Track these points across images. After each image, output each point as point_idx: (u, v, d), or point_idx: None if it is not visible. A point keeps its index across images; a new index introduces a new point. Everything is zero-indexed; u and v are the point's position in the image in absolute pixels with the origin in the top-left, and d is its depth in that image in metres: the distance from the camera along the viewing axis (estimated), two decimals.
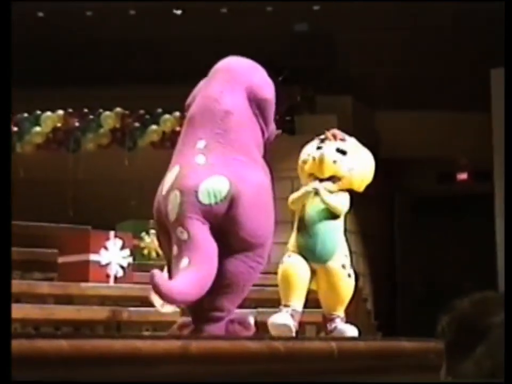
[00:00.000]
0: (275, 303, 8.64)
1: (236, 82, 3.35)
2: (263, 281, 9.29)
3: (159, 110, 11.41)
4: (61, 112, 11.04)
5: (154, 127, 11.26)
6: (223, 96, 3.30)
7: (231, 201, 3.07)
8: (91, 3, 12.37)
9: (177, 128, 11.29)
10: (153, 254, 9.56)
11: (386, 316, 11.85)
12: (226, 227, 3.07)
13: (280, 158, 11.61)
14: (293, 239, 4.27)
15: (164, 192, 3.17)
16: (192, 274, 2.91)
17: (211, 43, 12.64)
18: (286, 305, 4.09)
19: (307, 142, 12.23)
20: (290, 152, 11.65)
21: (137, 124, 11.15)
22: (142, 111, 11.36)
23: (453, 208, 14.18)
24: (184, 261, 2.95)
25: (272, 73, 12.96)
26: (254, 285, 9.94)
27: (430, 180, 14.29)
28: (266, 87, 3.39)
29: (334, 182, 4.28)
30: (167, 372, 2.26)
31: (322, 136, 4.51)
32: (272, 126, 3.58)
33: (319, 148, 4.43)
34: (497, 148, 11.83)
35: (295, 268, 4.11)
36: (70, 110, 10.94)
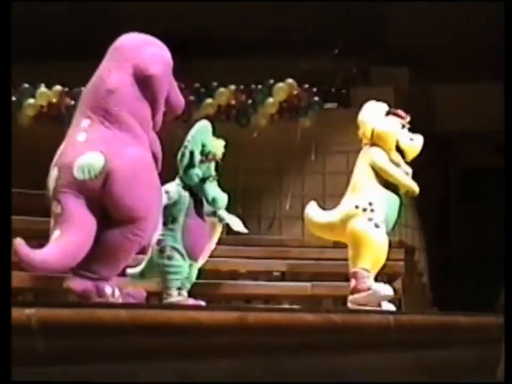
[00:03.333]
0: (331, 277, 8.70)
1: (124, 60, 3.40)
2: (320, 255, 9.46)
3: (214, 84, 11.43)
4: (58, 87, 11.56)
5: (209, 100, 11.29)
6: (110, 75, 3.37)
7: (106, 177, 3.18)
8: None
9: (233, 102, 11.33)
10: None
11: (441, 290, 11.76)
12: (103, 201, 3.20)
13: (335, 131, 11.55)
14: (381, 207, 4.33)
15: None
16: (59, 244, 3.08)
17: (262, 16, 12.58)
18: (367, 270, 4.22)
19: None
20: (346, 125, 11.63)
21: (192, 97, 11.19)
22: (197, 85, 11.38)
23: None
24: (56, 233, 3.13)
25: (327, 47, 12.75)
26: (310, 259, 9.89)
27: (486, 152, 14.09)
28: (154, 63, 3.38)
29: None
30: (224, 342, 2.28)
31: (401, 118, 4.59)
32: (175, 99, 3.59)
33: (403, 127, 4.63)
34: None
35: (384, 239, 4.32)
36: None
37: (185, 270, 4.36)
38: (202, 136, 4.55)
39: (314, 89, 11.34)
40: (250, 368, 2.45)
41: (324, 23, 12.41)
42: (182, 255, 4.34)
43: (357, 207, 4.37)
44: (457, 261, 13.78)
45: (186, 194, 4.41)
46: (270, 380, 2.50)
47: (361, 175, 4.53)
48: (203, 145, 4.50)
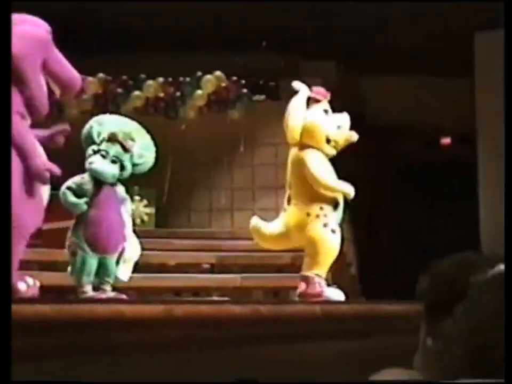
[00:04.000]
0: (262, 268, 8.73)
1: None
2: (250, 247, 9.53)
3: (142, 76, 11.35)
4: None
5: (137, 92, 11.20)
6: None
7: None
8: None
9: (161, 94, 11.27)
10: (138, 221, 9.57)
11: (369, 281, 11.92)
12: None
13: (264, 123, 11.62)
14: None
15: None
16: None
17: (192, 10, 12.55)
18: (318, 275, 4.17)
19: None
20: (274, 117, 11.66)
21: (120, 90, 11.09)
22: (124, 77, 11.29)
23: (438, 174, 14.24)
24: None
25: (256, 41, 12.74)
26: (240, 251, 9.94)
27: (415, 146, 14.31)
28: (16, 43, 3.05)
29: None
30: (150, 336, 2.27)
31: (323, 99, 4.47)
32: (65, 75, 3.39)
33: (326, 112, 4.51)
34: (480, 112, 11.87)
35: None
36: None
37: (92, 265, 4.20)
38: (106, 122, 4.44)
39: (243, 82, 11.37)
40: (177, 362, 2.45)
41: (254, 17, 12.44)
42: (83, 249, 4.20)
43: (308, 214, 4.31)
44: (386, 252, 13.97)
45: (89, 187, 4.28)
46: (197, 372, 2.50)
47: (300, 182, 4.43)
48: (99, 134, 4.37)
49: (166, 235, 9.76)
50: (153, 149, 4.56)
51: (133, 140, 4.40)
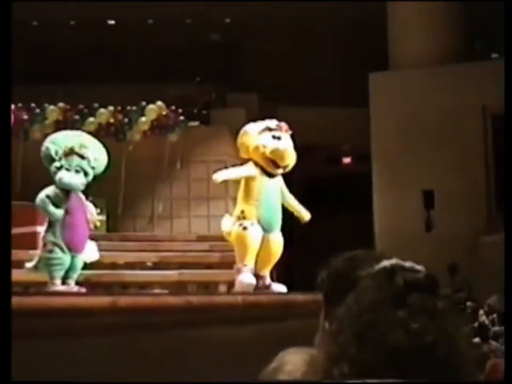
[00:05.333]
0: (195, 266, 8.70)
1: None
2: (185, 247, 9.51)
3: (96, 105, 11.22)
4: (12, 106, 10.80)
5: (91, 119, 11.07)
6: None
7: None
8: None
9: (111, 120, 11.16)
10: (91, 226, 9.41)
11: (285, 276, 11.97)
12: None
13: (197, 144, 11.63)
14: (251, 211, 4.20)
15: None
16: None
17: (135, 49, 12.51)
18: (245, 265, 4.07)
19: (219, 131, 12.00)
20: (206, 140, 11.81)
21: (77, 117, 10.98)
22: (81, 106, 11.17)
23: (339, 187, 14.41)
24: None
25: (191, 75, 12.74)
26: (177, 251, 9.86)
27: (321, 163, 14.46)
28: None
29: (284, 169, 4.30)
30: (99, 322, 2.25)
31: (271, 126, 4.32)
32: None
33: (276, 138, 4.29)
34: (374, 136, 12.09)
35: (257, 235, 4.15)
36: (20, 105, 10.73)
37: (66, 262, 4.20)
38: (60, 140, 4.36)
39: (180, 110, 11.37)
40: (122, 345, 2.42)
41: (188, 55, 12.45)
42: (61, 248, 4.19)
43: (236, 216, 4.27)
44: (299, 254, 14.07)
45: (62, 196, 4.24)
46: (140, 355, 2.48)
47: (239, 189, 4.35)
48: (56, 152, 4.29)
49: (116, 238, 9.66)
50: (103, 149, 4.52)
51: (86, 147, 4.36)
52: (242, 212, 4.23)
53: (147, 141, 11.10)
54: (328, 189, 14.34)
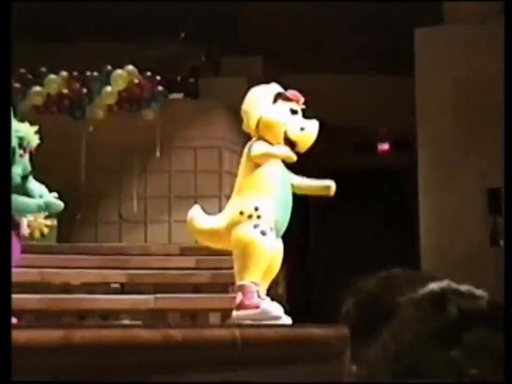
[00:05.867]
0: (178, 288, 8.70)
1: None
2: (164, 264, 9.48)
3: (43, 69, 11.20)
4: None
5: (37, 88, 11.06)
6: None
7: None
8: None
9: (65, 91, 11.14)
10: (37, 234, 9.41)
11: (299, 301, 11.99)
12: None
13: (182, 124, 11.62)
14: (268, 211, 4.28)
15: None
16: None
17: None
18: (254, 283, 4.16)
19: (211, 107, 12.10)
20: (194, 118, 11.78)
21: (17, 85, 10.91)
22: (22, 70, 11.11)
23: (373, 182, 14.37)
24: None
25: (174, 32, 12.79)
26: (153, 268, 9.88)
27: (348, 151, 14.41)
28: None
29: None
30: (46, 364, 2.25)
31: (288, 95, 4.43)
32: None
33: (294, 112, 4.41)
34: (420, 115, 12.00)
35: (273, 243, 4.25)
36: None
37: None
38: (17, 128, 4.39)
39: (158, 78, 11.32)
40: None
41: (171, 6, 12.42)
42: None
43: (241, 213, 4.28)
44: (316, 269, 14.06)
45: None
46: None
47: (245, 174, 4.38)
48: (20, 138, 4.34)
49: (70, 250, 9.65)
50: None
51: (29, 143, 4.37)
52: (256, 209, 4.27)
53: (114, 120, 11.11)
54: (358, 186, 14.33)
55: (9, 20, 2.95)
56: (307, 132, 4.38)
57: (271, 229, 4.25)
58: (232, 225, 4.30)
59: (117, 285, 9.03)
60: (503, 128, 4.42)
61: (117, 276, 9.04)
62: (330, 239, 14.24)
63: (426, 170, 11.99)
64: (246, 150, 4.42)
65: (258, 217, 4.25)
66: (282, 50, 12.77)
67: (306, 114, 4.47)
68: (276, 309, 4.13)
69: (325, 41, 12.95)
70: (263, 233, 4.22)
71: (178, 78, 12.23)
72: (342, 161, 13.87)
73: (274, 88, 4.50)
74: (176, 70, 12.26)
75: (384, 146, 14.78)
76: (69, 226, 10.87)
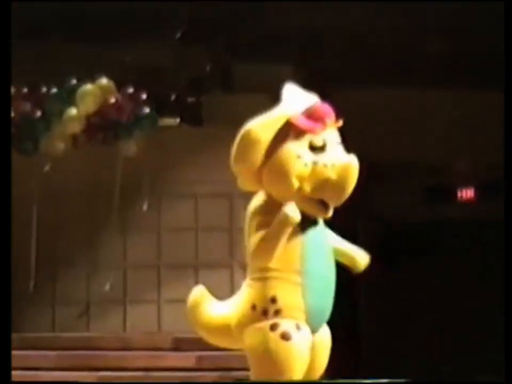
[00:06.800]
0: None
1: None
2: (153, 360, 9.43)
3: None
4: None
5: None
6: None
7: None
8: None
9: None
10: None
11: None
12: None
13: (178, 162, 11.57)
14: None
15: None
16: None
17: None
18: None
19: (219, 137, 11.88)
20: (194, 152, 11.68)
21: None
22: None
23: (449, 243, 14.37)
24: None
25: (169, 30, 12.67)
26: (136, 369, 9.93)
27: (412, 198, 14.37)
28: None
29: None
30: None
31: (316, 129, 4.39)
32: None
33: (319, 149, 4.35)
34: None
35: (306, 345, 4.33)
36: None
37: None
38: None
39: (144, 95, 11.31)
40: None
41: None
42: None
43: (254, 307, 4.36)
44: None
45: None
46: None
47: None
48: None
49: (15, 344, 9.54)
50: None
51: None
52: (274, 300, 4.28)
53: (80, 155, 11.18)
54: (428, 247, 14.40)
55: (9, 23, 2.89)
56: (333, 182, 4.28)
57: (299, 326, 4.26)
58: (244, 323, 4.36)
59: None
60: None
61: (84, 378, 9.24)
62: (384, 316, 14.32)
63: None
64: (251, 209, 4.57)
65: (277, 312, 4.26)
66: (323, 55, 12.75)
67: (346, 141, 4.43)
68: None
69: (374, 48, 12.97)
70: (284, 336, 4.22)
71: (173, 96, 12.17)
72: (408, 212, 13.80)
73: (283, 112, 4.45)
74: (170, 84, 12.25)
75: (468, 192, 14.69)
76: (14, 308, 10.80)
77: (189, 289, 10.91)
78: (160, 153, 11.26)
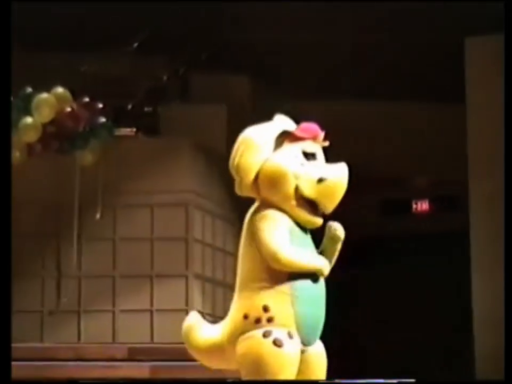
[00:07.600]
0: None
1: None
2: (107, 370, 9.32)
3: None
4: None
5: None
6: None
7: None
8: None
9: None
10: None
11: None
12: None
13: (134, 171, 11.50)
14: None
15: None
16: None
17: None
18: None
19: (175, 147, 11.84)
20: (151, 162, 11.64)
21: None
22: None
23: (406, 252, 14.38)
24: None
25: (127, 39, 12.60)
26: (91, 380, 9.84)
27: (370, 211, 14.38)
28: None
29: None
30: None
31: (300, 133, 4.40)
32: None
33: (310, 156, 4.38)
34: (472, 157, 11.92)
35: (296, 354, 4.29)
36: None
37: None
38: None
39: (100, 105, 11.27)
40: None
41: (122, 5, 12.41)
42: None
43: (246, 316, 4.31)
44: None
45: None
46: None
47: (248, 255, 4.39)
48: None
49: None
50: None
51: None
52: (266, 309, 4.27)
53: (35, 165, 11.15)
54: (385, 258, 14.42)
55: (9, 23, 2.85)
56: (329, 183, 4.31)
57: (291, 335, 4.24)
58: (235, 335, 4.32)
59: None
60: None
61: None
62: (350, 322, 14.30)
63: (480, 238, 12.01)
64: (247, 219, 4.41)
65: (270, 320, 4.25)
66: (281, 68, 12.75)
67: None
68: None
69: (341, 53, 12.97)
70: (276, 343, 4.20)
71: (129, 105, 12.12)
72: (365, 224, 13.83)
73: (278, 124, 4.46)
74: (126, 93, 12.21)
75: (423, 205, 14.73)
76: None
77: (144, 299, 10.93)
78: (116, 163, 11.21)
